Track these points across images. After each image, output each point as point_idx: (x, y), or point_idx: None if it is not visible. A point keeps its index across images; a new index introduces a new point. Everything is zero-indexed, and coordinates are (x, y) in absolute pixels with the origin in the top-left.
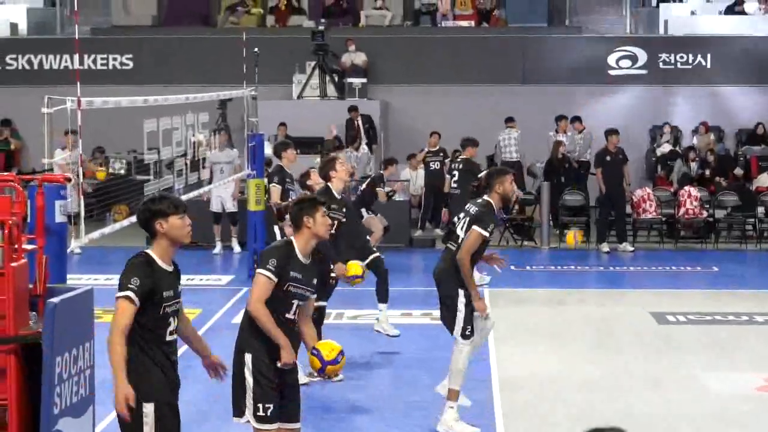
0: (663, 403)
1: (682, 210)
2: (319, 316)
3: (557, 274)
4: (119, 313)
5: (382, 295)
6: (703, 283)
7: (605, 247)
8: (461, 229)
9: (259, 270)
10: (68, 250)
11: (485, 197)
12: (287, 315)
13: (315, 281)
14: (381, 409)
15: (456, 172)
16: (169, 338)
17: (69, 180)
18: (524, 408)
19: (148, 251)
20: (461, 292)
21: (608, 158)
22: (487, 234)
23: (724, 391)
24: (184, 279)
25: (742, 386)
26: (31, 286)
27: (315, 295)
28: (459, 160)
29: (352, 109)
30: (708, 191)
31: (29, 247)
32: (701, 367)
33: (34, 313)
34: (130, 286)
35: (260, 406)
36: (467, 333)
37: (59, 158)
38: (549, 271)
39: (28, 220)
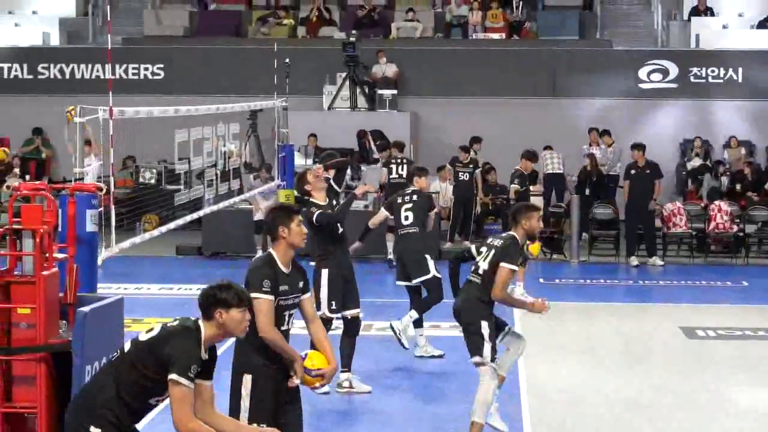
0: (692, 418)
1: (713, 224)
2: (354, 326)
3: (587, 288)
4: (180, 402)
5: (418, 321)
6: (733, 298)
7: (634, 260)
8: (484, 260)
9: (254, 295)
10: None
11: (510, 231)
12: (282, 328)
13: (301, 284)
14: (409, 422)
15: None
16: (152, 403)
17: (101, 189)
18: (553, 421)
19: (200, 323)
20: (484, 323)
21: (633, 172)
22: (516, 268)
23: (754, 408)
24: None
25: None
26: (61, 294)
27: (306, 295)
28: (513, 173)
29: (362, 134)
30: (738, 206)
31: (60, 255)
32: (731, 383)
33: (64, 321)
34: (189, 374)
35: (254, 425)
36: (495, 356)
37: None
38: (578, 284)
39: (59, 229)
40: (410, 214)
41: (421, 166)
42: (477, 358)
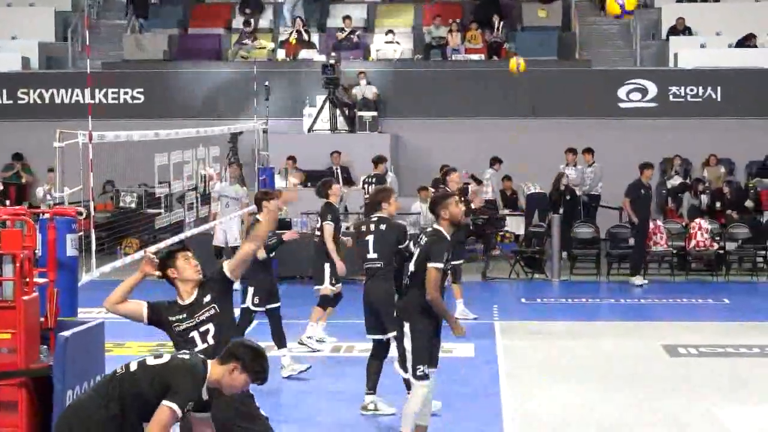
0: None
1: (693, 242)
2: (386, 349)
3: (568, 307)
4: (161, 426)
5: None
6: (715, 315)
7: (638, 280)
8: (413, 262)
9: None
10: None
11: (435, 226)
12: (197, 349)
13: (207, 297)
14: None
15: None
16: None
17: (80, 214)
18: None
19: (208, 363)
20: (407, 324)
21: (643, 192)
22: (441, 266)
23: (737, 425)
24: None
25: (756, 419)
26: (42, 319)
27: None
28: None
29: (334, 152)
30: (718, 224)
31: (40, 280)
32: (714, 401)
33: (45, 346)
34: (184, 408)
35: None
36: (419, 373)
37: (41, 195)
38: (560, 303)
39: (39, 253)
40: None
41: (266, 189)
42: (402, 371)
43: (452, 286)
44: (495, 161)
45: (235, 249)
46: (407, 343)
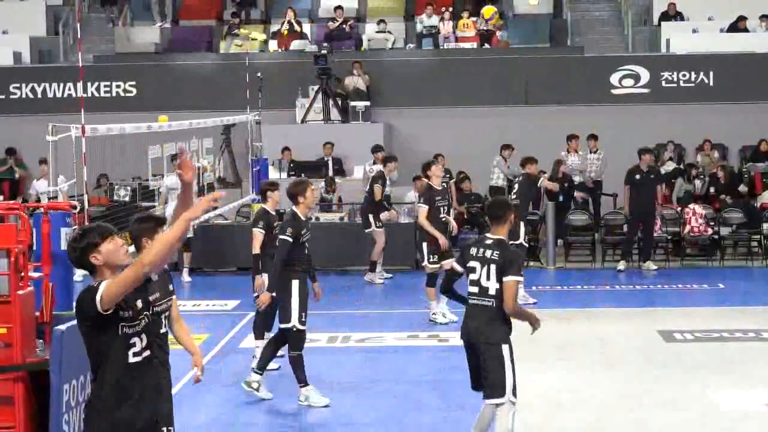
0: (672, 421)
1: (688, 228)
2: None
3: (564, 294)
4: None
5: (260, 331)
6: (710, 300)
7: (621, 265)
8: (488, 279)
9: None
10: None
11: (497, 236)
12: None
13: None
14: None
15: (516, 185)
16: (133, 360)
17: (75, 207)
18: (534, 429)
19: (101, 282)
20: (505, 347)
21: (638, 177)
22: (522, 278)
23: (732, 409)
24: (190, 304)
25: (751, 403)
26: (37, 313)
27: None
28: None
29: (326, 143)
30: (713, 209)
31: (35, 274)
32: (709, 385)
33: (41, 340)
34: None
35: None
36: (516, 392)
37: (42, 189)
38: (556, 290)
39: (34, 247)
40: None
41: (272, 180)
42: (497, 399)
43: None
44: (504, 148)
45: (188, 240)
46: (507, 365)
